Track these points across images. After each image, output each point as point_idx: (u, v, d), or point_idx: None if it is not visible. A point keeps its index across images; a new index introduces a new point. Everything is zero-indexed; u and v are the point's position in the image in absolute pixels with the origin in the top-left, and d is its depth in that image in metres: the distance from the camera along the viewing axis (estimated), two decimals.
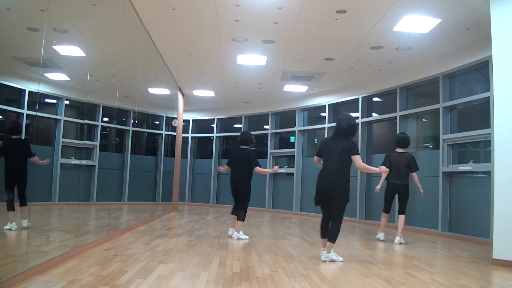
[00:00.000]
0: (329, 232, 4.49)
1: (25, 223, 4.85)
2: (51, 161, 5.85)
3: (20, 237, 4.34)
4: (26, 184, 4.94)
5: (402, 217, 6.12)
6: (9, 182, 4.79)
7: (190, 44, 7.20)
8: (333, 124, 10.10)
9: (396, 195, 6.28)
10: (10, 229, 4.61)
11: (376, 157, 9.11)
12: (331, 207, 4.54)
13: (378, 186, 6.33)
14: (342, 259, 4.48)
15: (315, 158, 4.81)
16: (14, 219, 4.59)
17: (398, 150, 6.19)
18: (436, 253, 5.42)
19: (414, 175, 6.14)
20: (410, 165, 6.08)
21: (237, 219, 5.97)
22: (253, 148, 6.44)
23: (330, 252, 4.45)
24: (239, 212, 5.97)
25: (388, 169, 5.85)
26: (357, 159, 4.48)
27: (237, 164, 6.02)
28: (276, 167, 6.15)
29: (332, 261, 4.42)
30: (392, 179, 6.12)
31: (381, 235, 6.24)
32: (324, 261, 4.43)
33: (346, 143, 4.53)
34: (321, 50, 7.30)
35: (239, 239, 5.85)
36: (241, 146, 6.11)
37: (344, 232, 7.22)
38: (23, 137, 4.79)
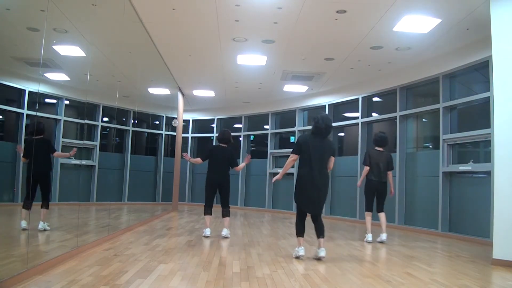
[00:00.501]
0: (321, 230, 4.60)
1: (42, 225, 4.90)
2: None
3: (20, 237, 4.34)
4: (51, 186, 5.00)
5: (383, 215, 6.15)
6: (33, 182, 4.87)
7: (190, 44, 7.20)
8: (335, 125, 10.12)
9: (375, 193, 6.25)
10: (24, 229, 4.65)
11: None
12: (315, 205, 4.63)
13: (359, 183, 6.50)
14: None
15: (294, 156, 4.70)
16: (27, 218, 4.64)
17: (378, 148, 6.22)
18: (436, 253, 5.41)
19: (390, 174, 6.20)
20: (388, 164, 6.15)
21: (226, 216, 6.02)
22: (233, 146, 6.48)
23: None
24: (226, 209, 6.06)
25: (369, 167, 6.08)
26: (333, 161, 4.74)
27: (219, 162, 6.00)
28: (248, 156, 6.20)
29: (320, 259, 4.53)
30: (372, 176, 6.13)
31: (369, 237, 6.05)
32: (319, 259, 4.51)
33: (329, 143, 4.73)
34: (321, 50, 7.30)
35: (226, 237, 5.89)
36: (221, 145, 6.13)
37: (344, 232, 7.23)
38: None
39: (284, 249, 5.19)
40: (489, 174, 6.05)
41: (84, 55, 5.29)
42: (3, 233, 4.39)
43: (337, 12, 5.64)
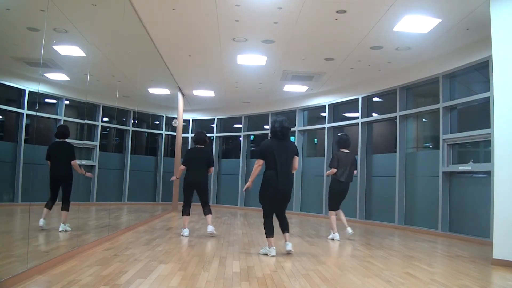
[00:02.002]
0: (286, 225, 4.85)
1: (62, 227, 4.99)
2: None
3: (20, 237, 4.34)
4: (71, 188, 5.08)
5: (341, 212, 6.42)
6: (54, 184, 4.96)
7: (190, 44, 7.20)
8: (335, 125, 10.11)
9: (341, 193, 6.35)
10: (42, 228, 4.73)
11: (376, 157, 9.12)
12: (282, 205, 4.85)
13: (327, 174, 6.57)
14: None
15: (260, 161, 4.83)
16: (46, 216, 4.71)
17: (344, 150, 6.30)
18: (436, 253, 5.41)
19: (355, 172, 6.39)
20: (354, 165, 6.31)
21: (208, 213, 6.08)
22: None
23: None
24: (207, 207, 6.12)
25: (335, 170, 6.18)
26: (297, 160, 4.90)
27: (196, 163, 6.03)
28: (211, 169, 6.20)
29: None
30: (341, 177, 6.21)
31: (336, 235, 6.15)
32: (289, 253, 4.71)
33: (291, 144, 4.95)
34: (321, 50, 7.30)
35: (212, 234, 5.98)
36: (197, 146, 6.17)
37: (344, 232, 7.22)
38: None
39: (284, 249, 5.18)
40: (489, 174, 6.05)
41: (84, 55, 5.29)
42: (4, 232, 4.40)
43: (337, 12, 5.64)
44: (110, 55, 6.46)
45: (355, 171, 6.34)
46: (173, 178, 6.97)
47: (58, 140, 5.16)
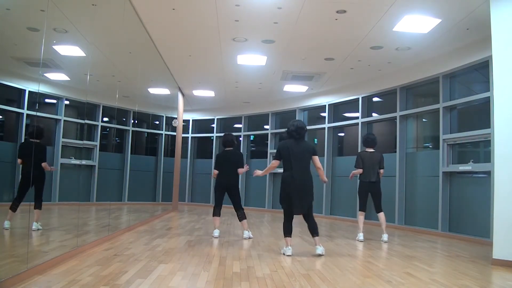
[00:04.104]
0: (314, 229, 4.84)
1: (35, 225, 4.89)
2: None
3: (20, 237, 4.34)
4: (43, 188, 4.99)
5: (382, 215, 6.26)
6: (24, 184, 4.83)
7: (190, 44, 7.20)
8: (335, 125, 10.10)
9: (370, 194, 6.33)
10: (7, 228, 4.61)
11: None
12: (302, 206, 4.81)
13: (351, 176, 6.48)
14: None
15: (275, 162, 4.96)
16: (10, 219, 4.58)
17: (368, 150, 6.28)
18: (436, 253, 5.41)
19: (382, 171, 6.31)
20: (380, 164, 6.24)
21: (243, 219, 6.10)
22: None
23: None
24: (241, 211, 6.13)
25: (361, 170, 6.19)
26: (317, 159, 4.97)
27: (227, 166, 6.09)
28: (246, 166, 6.20)
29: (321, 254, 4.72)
30: (365, 178, 6.21)
31: (360, 236, 6.13)
32: (320, 256, 4.69)
33: (307, 144, 4.98)
34: (321, 50, 7.30)
35: (249, 237, 6.00)
36: (226, 149, 6.20)
37: (344, 232, 7.23)
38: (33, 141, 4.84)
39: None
40: (489, 174, 6.05)
41: (84, 55, 5.29)
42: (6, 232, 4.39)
43: (337, 12, 5.64)
44: (110, 55, 6.46)
45: (381, 171, 6.26)
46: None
47: (32, 140, 5.01)
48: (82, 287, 3.06)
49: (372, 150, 6.29)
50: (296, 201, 4.78)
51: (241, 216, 6.11)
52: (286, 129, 5.02)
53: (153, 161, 10.77)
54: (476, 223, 6.50)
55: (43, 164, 5.00)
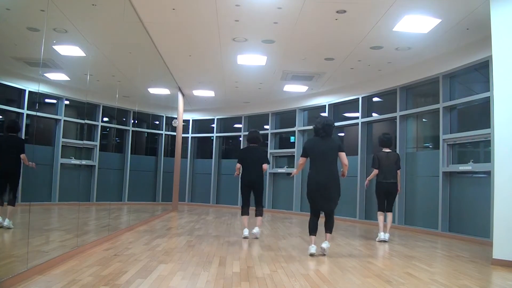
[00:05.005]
0: (329, 226, 4.87)
1: (7, 222, 4.75)
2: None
3: (20, 237, 4.33)
4: (18, 183, 4.89)
5: (390, 215, 6.27)
6: (3, 180, 4.73)
7: (190, 44, 7.20)
8: (335, 125, 10.12)
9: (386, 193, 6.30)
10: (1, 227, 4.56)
11: None
12: (325, 203, 4.83)
13: (366, 183, 6.57)
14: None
15: (302, 160, 5.03)
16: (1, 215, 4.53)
17: (385, 150, 6.27)
18: (436, 253, 5.42)
19: (398, 172, 6.28)
20: (396, 163, 6.22)
21: (259, 215, 6.08)
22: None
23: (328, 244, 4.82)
24: (259, 208, 6.12)
25: (377, 170, 6.18)
26: (344, 156, 4.93)
27: (251, 162, 6.07)
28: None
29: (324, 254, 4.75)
30: (382, 178, 6.20)
31: (381, 235, 6.13)
32: (322, 255, 4.72)
33: (332, 141, 4.95)
34: (321, 50, 7.30)
35: (256, 237, 5.95)
36: (250, 145, 6.22)
37: (344, 232, 7.23)
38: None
39: (284, 249, 5.18)
40: (489, 174, 6.05)
41: (84, 55, 5.29)
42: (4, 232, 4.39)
43: (337, 12, 5.64)
44: (110, 55, 6.46)
45: (398, 171, 6.22)
46: (236, 175, 6.53)
47: (8, 134, 4.93)
48: (82, 287, 3.06)
49: (388, 150, 6.26)
50: (318, 198, 4.84)
51: (258, 213, 6.09)
52: (313, 126, 5.00)
53: (153, 161, 10.78)
54: (476, 223, 6.49)
55: (22, 156, 4.87)
